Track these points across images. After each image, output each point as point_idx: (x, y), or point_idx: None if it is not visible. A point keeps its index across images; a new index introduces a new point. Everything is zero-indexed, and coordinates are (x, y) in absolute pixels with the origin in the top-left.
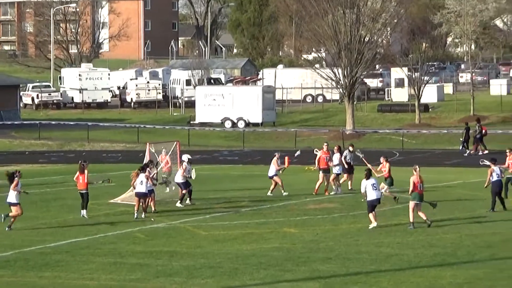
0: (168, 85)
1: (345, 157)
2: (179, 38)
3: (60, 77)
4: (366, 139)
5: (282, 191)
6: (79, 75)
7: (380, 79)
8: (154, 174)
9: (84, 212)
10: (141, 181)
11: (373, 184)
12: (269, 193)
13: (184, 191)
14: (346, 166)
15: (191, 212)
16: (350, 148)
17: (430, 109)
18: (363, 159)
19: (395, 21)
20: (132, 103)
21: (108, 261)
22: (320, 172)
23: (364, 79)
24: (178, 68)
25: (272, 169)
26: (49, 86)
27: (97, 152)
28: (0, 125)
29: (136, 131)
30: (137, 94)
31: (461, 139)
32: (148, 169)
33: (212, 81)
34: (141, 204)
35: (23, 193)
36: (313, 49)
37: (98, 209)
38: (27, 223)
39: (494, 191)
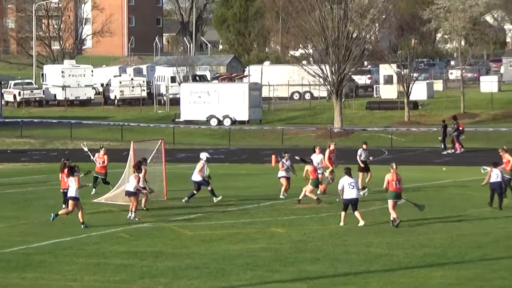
0: (152, 82)
1: (359, 156)
2: (164, 34)
3: (42, 74)
4: (354, 137)
5: (281, 193)
6: (62, 72)
7: (369, 76)
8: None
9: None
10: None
11: (351, 183)
12: (281, 196)
13: (209, 188)
14: (362, 165)
15: (177, 211)
16: (364, 146)
17: (419, 107)
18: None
19: (384, 16)
20: (116, 101)
21: (92, 261)
22: (326, 172)
23: (352, 76)
24: (163, 65)
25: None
26: (31, 83)
27: (80, 150)
28: None
29: (120, 129)
30: (121, 91)
31: (439, 138)
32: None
33: (197, 78)
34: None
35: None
36: (300, 46)
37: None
38: (9, 223)
39: (493, 191)
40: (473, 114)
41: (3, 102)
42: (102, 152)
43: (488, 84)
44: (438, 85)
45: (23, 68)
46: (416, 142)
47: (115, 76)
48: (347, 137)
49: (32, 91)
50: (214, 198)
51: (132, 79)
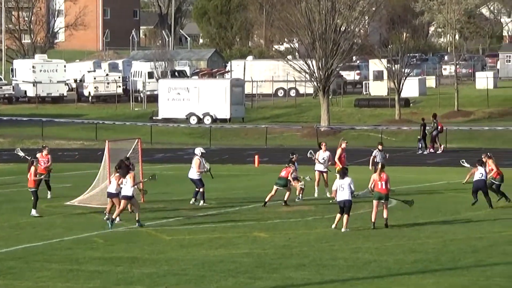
0: (128, 78)
1: (374, 157)
2: (141, 27)
3: (12, 69)
4: (342, 136)
5: (299, 196)
6: (33, 67)
7: (357, 71)
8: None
9: (34, 211)
10: (125, 182)
11: (341, 184)
12: (296, 199)
13: (201, 189)
14: (375, 166)
15: (154, 215)
16: (379, 147)
17: (411, 104)
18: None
19: (374, 9)
20: (90, 97)
21: (65, 268)
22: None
23: (340, 72)
24: (140, 60)
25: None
26: (0, 79)
27: (52, 150)
28: None
29: (94, 128)
30: (95, 87)
31: (418, 137)
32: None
33: (176, 73)
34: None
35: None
36: (285, 39)
37: (53, 211)
38: None
39: (476, 189)
40: (468, 112)
41: None
42: (45, 151)
43: (484, 80)
44: (431, 82)
45: None
46: (407, 141)
47: (89, 72)
48: (335, 136)
49: (1, 87)
50: (201, 202)
51: (107, 74)
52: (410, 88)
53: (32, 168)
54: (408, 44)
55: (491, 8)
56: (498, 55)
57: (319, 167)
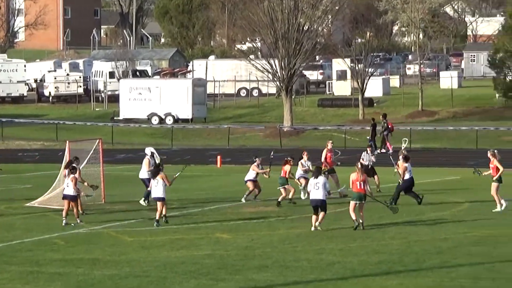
0: (89, 78)
1: (362, 159)
2: (102, 26)
3: None
4: (305, 137)
5: (244, 196)
6: None
7: (321, 71)
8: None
9: None
10: (156, 184)
11: (316, 183)
12: (242, 200)
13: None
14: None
15: (115, 216)
16: (368, 150)
17: (375, 104)
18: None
19: (337, 8)
20: (51, 98)
21: (25, 269)
22: (325, 173)
23: (303, 71)
24: (101, 59)
25: (251, 173)
26: None
27: (12, 151)
28: None
29: (54, 128)
30: (55, 87)
31: (368, 138)
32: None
33: (137, 73)
34: (70, 208)
35: None
36: (248, 39)
37: (13, 213)
38: None
39: (404, 187)
40: (432, 112)
41: None
42: None
43: (448, 80)
44: (395, 81)
45: None
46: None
47: (49, 72)
48: (298, 136)
49: None
50: (142, 200)
51: (67, 74)
52: (374, 87)
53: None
54: (371, 44)
55: (455, 7)
56: (462, 55)
57: (302, 173)
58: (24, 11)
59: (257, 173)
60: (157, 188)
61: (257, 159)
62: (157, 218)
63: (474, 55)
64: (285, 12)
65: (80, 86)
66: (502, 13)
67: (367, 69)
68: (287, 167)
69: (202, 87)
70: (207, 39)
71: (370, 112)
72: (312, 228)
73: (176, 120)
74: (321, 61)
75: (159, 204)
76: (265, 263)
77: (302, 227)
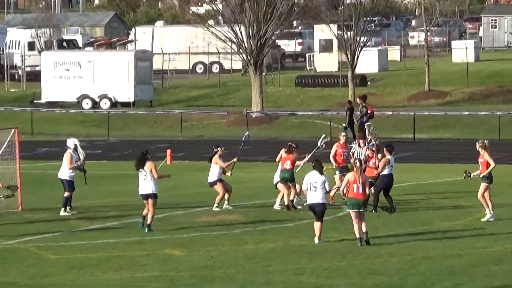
0: (3, 50)
1: (352, 154)
2: None
3: None
4: (279, 125)
5: (215, 204)
6: None
7: (299, 40)
8: None
9: None
10: (144, 177)
11: (313, 183)
12: (215, 207)
13: (67, 194)
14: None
15: (36, 227)
16: (361, 142)
17: (368, 83)
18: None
19: None
20: None
21: None
22: (336, 172)
23: (276, 41)
24: (17, 26)
25: (214, 170)
26: None
27: None
28: None
29: None
30: None
31: (343, 125)
32: None
33: (64, 44)
34: None
35: None
36: (206, 0)
37: None
38: None
39: (381, 187)
40: (442, 93)
41: None
42: None
43: (462, 51)
44: (394, 54)
45: None
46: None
47: None
48: (270, 124)
49: None
50: (62, 210)
51: None
52: (368, 62)
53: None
54: (364, 5)
55: None
56: (480, 19)
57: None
58: None
59: (223, 169)
60: (145, 182)
61: (219, 148)
62: (148, 222)
63: (495, 20)
64: None
65: None
66: None
67: (358, 38)
68: (292, 156)
69: (147, 62)
70: (154, 0)
71: (363, 92)
72: (316, 241)
73: (114, 104)
74: (299, 27)
75: (150, 202)
76: (229, 287)
77: (277, 240)
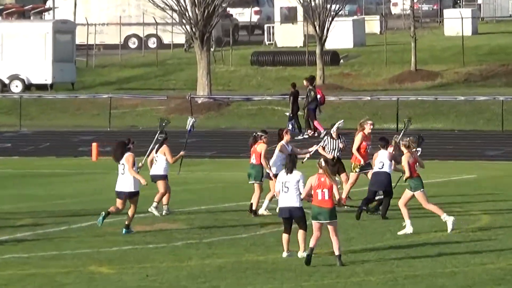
0: None
1: (323, 148)
2: None
3: None
4: (231, 112)
5: (155, 203)
6: None
7: (256, 9)
8: None
9: None
10: (122, 171)
11: (285, 182)
12: (153, 207)
13: None
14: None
15: None
16: (333, 133)
17: (341, 61)
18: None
19: None
20: None
21: None
22: (356, 170)
23: (228, 10)
24: None
25: (161, 162)
26: None
27: None
28: None
29: None
30: None
31: (287, 114)
32: None
33: None
34: None
35: None
36: None
37: None
38: None
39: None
40: (432, 73)
41: None
42: None
43: (457, 22)
44: (373, 25)
45: None
46: (336, 119)
47: None
48: (219, 111)
49: None
50: None
51: None
52: (340, 35)
53: None
54: None
55: None
56: None
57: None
58: None
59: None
60: (124, 177)
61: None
62: (127, 222)
63: None
64: None
65: None
66: None
67: (328, 6)
68: (258, 147)
69: (68, 35)
70: None
71: (334, 73)
72: (284, 254)
73: (28, 87)
74: None
75: (132, 201)
76: None
77: (227, 255)
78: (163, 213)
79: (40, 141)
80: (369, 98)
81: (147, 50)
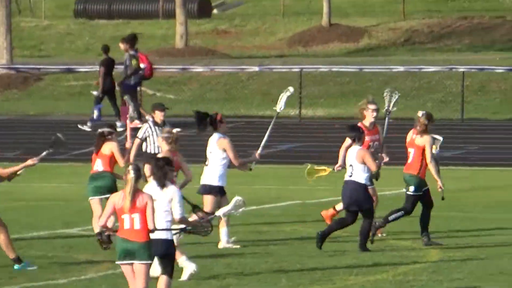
0: None
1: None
2: None
3: None
4: (45, 90)
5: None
6: None
7: None
8: None
9: None
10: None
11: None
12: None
13: None
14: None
15: None
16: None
17: (215, 10)
18: None
19: None
20: None
21: None
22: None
23: None
24: None
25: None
26: None
27: None
28: None
29: None
30: None
31: (94, 93)
32: None
33: None
34: None
35: None
36: None
37: None
38: None
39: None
40: (355, 31)
41: None
42: None
43: None
44: None
45: None
46: (207, 101)
47: None
48: (27, 89)
49: None
50: None
51: None
52: None
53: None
54: None
55: None
56: None
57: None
58: None
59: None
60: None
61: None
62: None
63: None
64: None
65: None
66: None
67: None
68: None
69: None
70: None
71: (204, 30)
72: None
73: None
74: None
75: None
76: None
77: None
78: None
79: None
80: (257, 69)
81: None
